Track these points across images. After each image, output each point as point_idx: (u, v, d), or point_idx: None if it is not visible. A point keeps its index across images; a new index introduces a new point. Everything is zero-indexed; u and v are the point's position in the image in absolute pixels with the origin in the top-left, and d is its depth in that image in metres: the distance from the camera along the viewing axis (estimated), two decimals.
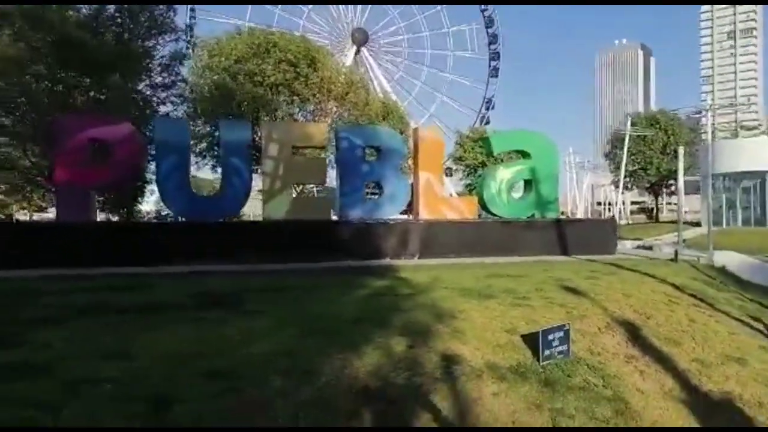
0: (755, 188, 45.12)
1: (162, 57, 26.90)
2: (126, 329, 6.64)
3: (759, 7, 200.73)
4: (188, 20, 48.35)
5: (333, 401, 5.15)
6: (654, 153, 61.73)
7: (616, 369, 6.73)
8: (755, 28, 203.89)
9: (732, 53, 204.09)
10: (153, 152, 17.39)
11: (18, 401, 4.63)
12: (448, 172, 48.96)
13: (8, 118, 23.56)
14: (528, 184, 17.26)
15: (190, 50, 32.45)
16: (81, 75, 22.67)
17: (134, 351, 5.88)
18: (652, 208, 78.25)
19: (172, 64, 27.36)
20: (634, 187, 73.40)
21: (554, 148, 17.76)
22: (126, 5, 24.38)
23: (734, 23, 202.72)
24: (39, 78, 22.50)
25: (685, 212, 44.05)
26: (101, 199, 25.81)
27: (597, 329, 7.86)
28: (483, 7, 68.66)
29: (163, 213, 32.75)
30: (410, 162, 20.63)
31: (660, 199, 76.44)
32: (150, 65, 26.29)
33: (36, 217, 47.43)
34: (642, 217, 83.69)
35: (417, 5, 71.87)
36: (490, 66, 70.62)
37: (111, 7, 24.25)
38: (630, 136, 59.36)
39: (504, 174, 16.97)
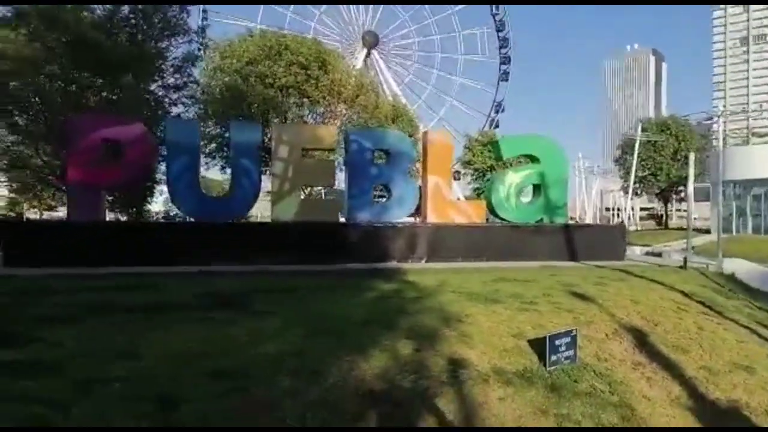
0: (766, 196, 44.70)
1: (174, 58, 27.15)
2: (135, 329, 6.70)
3: None
4: (200, 22, 48.71)
5: (340, 402, 5.18)
6: (664, 159, 61.32)
7: (623, 375, 6.71)
8: None
9: (744, 59, 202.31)
10: (164, 153, 17.53)
11: (28, 398, 4.70)
12: (457, 175, 48.83)
13: (21, 118, 23.85)
14: (537, 188, 17.24)
15: (202, 52, 32.63)
16: (94, 75, 22.90)
17: (143, 350, 5.94)
18: (662, 215, 77.71)
19: (184, 66, 27.58)
20: (643, 193, 72.88)
21: (563, 152, 17.73)
22: (140, 6, 24.59)
23: (747, 29, 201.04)
24: (53, 78, 22.76)
25: (695, 219, 43.71)
26: (111, 198, 26.00)
27: (604, 335, 7.84)
28: (494, 11, 68.60)
29: (171, 213, 32.94)
30: (419, 165, 20.66)
31: (669, 205, 75.97)
32: (162, 66, 26.50)
33: (46, 215, 47.87)
34: (651, 224, 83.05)
35: (428, 7, 72.03)
36: (500, 70, 70.60)
37: (125, 9, 24.48)
38: (640, 141, 59.04)
39: (513, 178, 16.96)
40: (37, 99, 23.09)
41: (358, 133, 18.06)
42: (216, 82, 31.76)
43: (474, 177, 55.29)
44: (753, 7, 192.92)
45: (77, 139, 13.78)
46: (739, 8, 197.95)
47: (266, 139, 21.98)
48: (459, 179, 53.01)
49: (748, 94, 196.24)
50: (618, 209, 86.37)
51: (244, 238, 14.36)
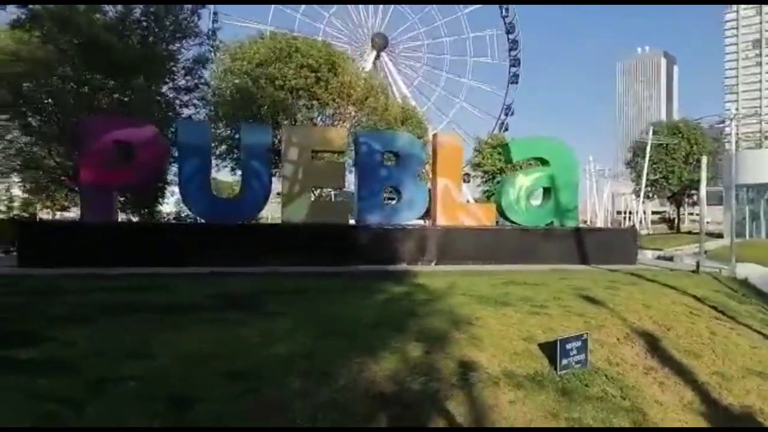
0: None
1: (185, 60, 27.24)
2: (147, 329, 6.76)
3: None
4: (211, 24, 49.02)
5: (350, 404, 5.19)
6: (676, 162, 60.83)
7: (635, 380, 6.66)
8: None
9: (757, 62, 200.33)
10: (175, 154, 17.64)
11: (43, 396, 4.75)
12: (466, 178, 48.74)
13: (35, 119, 24.08)
14: (547, 191, 17.17)
15: (213, 54, 32.80)
16: (106, 77, 23.06)
17: (155, 350, 5.99)
18: (674, 218, 77.01)
19: (195, 68, 27.67)
20: (655, 196, 72.40)
21: (573, 155, 17.65)
22: (151, 9, 24.77)
23: (760, 31, 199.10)
24: (65, 79, 22.96)
25: (708, 223, 43.32)
26: (122, 199, 26.19)
27: (616, 340, 7.79)
28: (504, 13, 68.60)
29: (182, 214, 33.13)
30: (428, 168, 20.65)
31: (682, 209, 75.28)
32: (174, 68, 26.61)
33: (59, 216, 48.32)
34: (663, 227, 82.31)
35: (438, 9, 72.09)
36: (510, 72, 70.57)
37: (137, 11, 24.65)
38: (652, 144, 58.58)
39: (523, 181, 16.90)
40: (50, 100, 23.30)
41: (367, 135, 18.10)
42: (226, 84, 31.93)
43: (484, 179, 55.16)
44: (766, 8, 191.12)
45: (89, 141, 13.93)
46: (751, 10, 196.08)
47: (276, 141, 22.05)
48: (468, 182, 52.92)
49: (761, 97, 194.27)
50: (629, 212, 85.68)
51: (254, 239, 14.43)
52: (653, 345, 7.71)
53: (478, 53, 73.69)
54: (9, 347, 5.90)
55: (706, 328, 8.67)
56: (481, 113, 73.54)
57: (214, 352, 6.03)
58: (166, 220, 34.26)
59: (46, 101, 23.41)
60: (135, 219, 29.49)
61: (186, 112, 28.07)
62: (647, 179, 60.10)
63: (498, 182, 40.05)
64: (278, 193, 17.64)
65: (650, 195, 68.83)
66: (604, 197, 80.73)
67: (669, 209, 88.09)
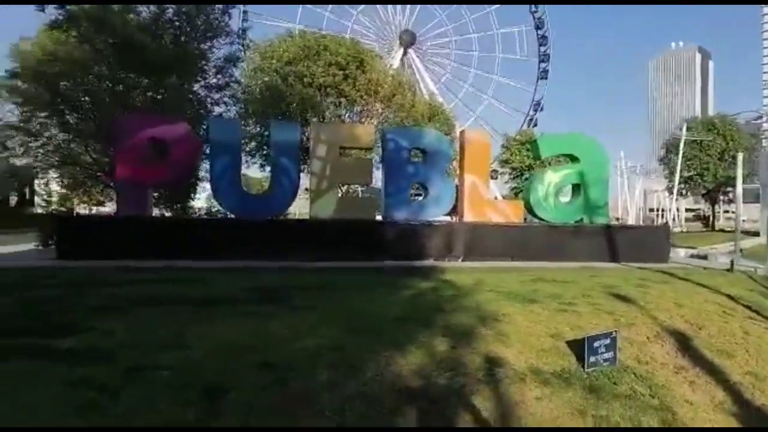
0: None
1: (217, 59, 27.66)
2: (182, 320, 6.96)
3: None
4: (241, 24, 49.62)
5: (377, 397, 5.27)
6: (711, 159, 59.33)
7: (665, 379, 6.58)
8: None
9: None
10: (207, 151, 17.97)
11: (81, 384, 4.96)
12: (494, 174, 48.37)
13: (72, 116, 24.80)
14: (576, 188, 16.98)
15: (243, 53, 33.18)
16: (140, 76, 23.61)
17: (190, 341, 6.16)
18: (708, 216, 75.11)
19: (225, 66, 28.08)
20: (689, 193, 70.71)
21: (604, 151, 17.39)
22: (183, 9, 25.23)
23: None
24: (101, 78, 23.59)
25: (743, 221, 42.14)
26: (156, 195, 26.79)
27: (645, 338, 7.69)
28: (533, 8, 67.68)
29: (213, 209, 33.70)
30: (456, 164, 20.59)
31: (717, 206, 73.37)
32: (205, 67, 27.05)
33: (95, 210, 49.66)
34: (697, 225, 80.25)
35: (466, 6, 71.51)
36: (539, 68, 69.64)
37: (170, 11, 25.14)
38: (686, 141, 57.19)
39: (552, 178, 16.75)
40: (86, 99, 23.98)
41: (395, 131, 18.17)
42: (256, 82, 32.27)
43: (512, 176, 54.71)
44: None
45: (125, 138, 14.32)
46: None
47: (305, 138, 22.27)
48: (496, 178, 52.59)
49: None
50: (662, 210, 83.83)
51: (283, 234, 14.63)
52: (684, 344, 7.59)
53: (507, 49, 72.96)
54: (50, 337, 6.16)
55: (740, 327, 8.49)
56: (509, 109, 72.84)
57: (246, 344, 6.17)
58: (197, 215, 34.88)
59: (82, 99, 24.10)
60: (168, 214, 30.08)
61: (217, 109, 28.53)
62: (681, 176, 58.72)
63: (526, 179, 39.67)
64: (306, 189, 17.81)
65: (684, 192, 67.30)
66: (636, 194, 79.13)
67: (704, 207, 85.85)
